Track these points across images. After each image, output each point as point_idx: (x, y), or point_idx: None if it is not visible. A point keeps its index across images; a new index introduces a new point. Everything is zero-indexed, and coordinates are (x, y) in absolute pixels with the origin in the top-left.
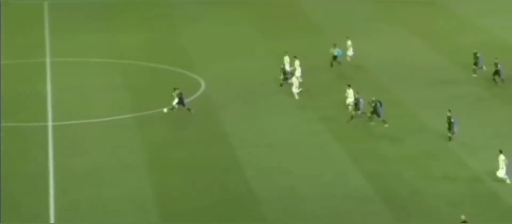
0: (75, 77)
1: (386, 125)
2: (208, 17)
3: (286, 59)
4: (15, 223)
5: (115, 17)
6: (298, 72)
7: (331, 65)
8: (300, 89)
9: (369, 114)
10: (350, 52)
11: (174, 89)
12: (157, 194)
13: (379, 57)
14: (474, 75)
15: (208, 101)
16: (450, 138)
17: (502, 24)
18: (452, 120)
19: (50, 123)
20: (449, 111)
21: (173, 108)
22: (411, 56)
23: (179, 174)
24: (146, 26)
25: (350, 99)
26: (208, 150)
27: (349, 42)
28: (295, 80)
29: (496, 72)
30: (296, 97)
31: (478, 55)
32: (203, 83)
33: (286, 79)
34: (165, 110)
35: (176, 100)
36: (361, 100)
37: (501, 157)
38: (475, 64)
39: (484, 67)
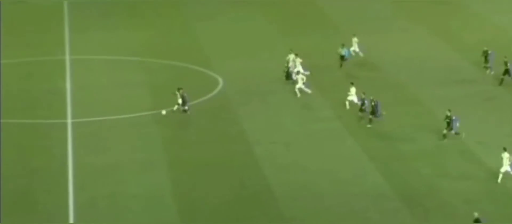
0: (94, 74)
1: (369, 126)
2: (226, 15)
3: (291, 57)
4: (34, 219)
5: (134, 15)
6: (300, 68)
7: (341, 65)
8: (303, 85)
9: (369, 116)
10: (356, 48)
11: (178, 89)
12: (176, 191)
13: (395, 55)
14: (488, 72)
15: (225, 98)
16: (444, 136)
17: None
18: (453, 118)
19: (69, 120)
20: (449, 110)
21: (184, 109)
22: (427, 54)
23: (197, 171)
24: (164, 24)
25: (352, 97)
26: (225, 147)
27: (355, 39)
28: (299, 78)
29: (506, 71)
30: (298, 94)
31: (489, 52)
32: (221, 81)
33: (289, 77)
34: (163, 112)
35: (180, 100)
36: (366, 101)
37: (506, 155)
38: (486, 62)
39: (492, 70)
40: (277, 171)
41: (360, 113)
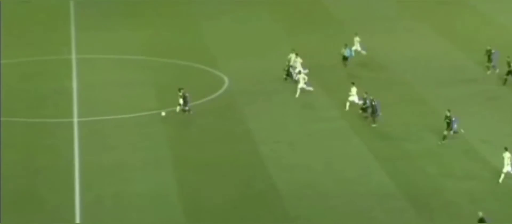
0: (100, 73)
1: (374, 125)
2: (232, 14)
3: (292, 56)
4: (40, 217)
5: (139, 14)
6: (300, 68)
7: (345, 65)
8: (305, 85)
9: (368, 115)
10: (358, 47)
11: (179, 89)
12: (181, 190)
13: (401, 54)
14: (489, 72)
15: (231, 97)
16: (445, 137)
17: None
18: (453, 118)
19: (75, 119)
20: (448, 110)
21: (184, 109)
22: (432, 53)
23: (203, 170)
24: (170, 23)
25: (353, 98)
26: (231, 146)
27: (357, 38)
28: (301, 78)
29: (510, 72)
30: (297, 94)
31: (492, 51)
32: (226, 80)
33: (289, 76)
34: (163, 113)
35: (181, 100)
36: (368, 101)
37: (507, 155)
38: (489, 61)
39: (497, 69)
40: (282, 171)
41: (363, 113)
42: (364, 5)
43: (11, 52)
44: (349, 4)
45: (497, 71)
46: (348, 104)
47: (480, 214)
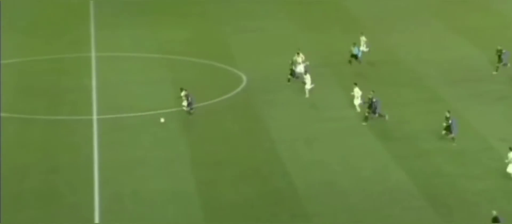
0: (119, 71)
1: (364, 123)
2: (250, 13)
3: (298, 57)
4: (60, 214)
5: (159, 13)
6: (301, 68)
7: (350, 62)
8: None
9: (366, 113)
10: (364, 47)
11: (181, 89)
12: (199, 187)
13: (417, 53)
14: (495, 73)
15: (249, 95)
16: (446, 134)
17: None
18: (450, 121)
19: (94, 117)
20: (448, 111)
21: (189, 110)
22: (449, 52)
23: (221, 168)
24: (189, 22)
25: (358, 100)
26: (249, 144)
27: (363, 38)
28: (307, 78)
29: None
30: (307, 95)
31: (503, 51)
32: (244, 78)
33: (293, 75)
34: (162, 120)
35: (185, 101)
36: (374, 100)
37: (511, 155)
38: (499, 61)
39: (509, 64)
40: (299, 168)
41: (366, 114)
42: (381, 3)
43: (31, 50)
44: (366, 3)
45: (508, 65)
46: (357, 106)
47: (494, 213)
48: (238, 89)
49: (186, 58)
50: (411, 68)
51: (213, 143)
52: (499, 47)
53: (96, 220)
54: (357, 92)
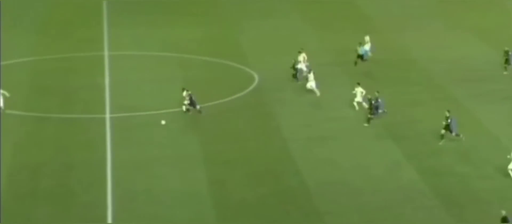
0: (132, 70)
1: (366, 125)
2: (262, 12)
3: (303, 56)
4: (73, 212)
5: (171, 12)
6: (302, 66)
7: (355, 63)
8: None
9: (368, 115)
10: (368, 47)
11: (183, 89)
12: (211, 186)
13: (431, 52)
14: (507, 72)
15: (261, 94)
16: (442, 137)
17: None
18: (449, 120)
19: (107, 115)
20: (448, 111)
21: (187, 110)
22: (463, 51)
23: (233, 166)
24: (202, 21)
25: (359, 98)
26: (261, 143)
27: (367, 38)
28: (311, 76)
29: None
30: (318, 93)
31: (510, 53)
32: (256, 77)
33: (296, 74)
34: (163, 122)
35: (187, 101)
36: (379, 100)
37: None
38: (506, 61)
39: None
40: (311, 167)
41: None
42: (393, 2)
43: (44, 49)
44: (379, 2)
45: (506, 73)
46: (356, 104)
47: (503, 212)
48: (250, 88)
49: (199, 57)
50: (422, 67)
51: (225, 141)
52: (506, 49)
53: (109, 218)
54: (358, 91)
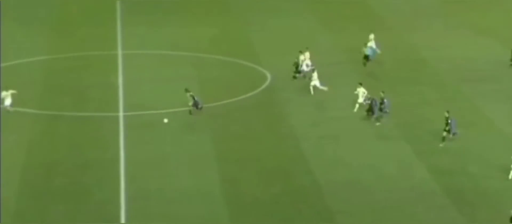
0: (145, 68)
1: (378, 124)
2: (275, 12)
3: (307, 55)
4: (87, 210)
5: (184, 11)
6: (304, 67)
7: (364, 64)
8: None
9: (365, 112)
10: (373, 46)
11: (186, 90)
12: (224, 184)
13: (439, 51)
14: None
15: (273, 93)
16: (444, 139)
17: None
18: (450, 121)
19: (121, 114)
20: (447, 111)
21: (190, 111)
22: (472, 50)
23: (245, 165)
24: (214, 20)
25: (361, 99)
26: (273, 142)
27: (371, 36)
28: (315, 75)
29: None
30: (312, 92)
31: None
32: (269, 76)
33: (299, 73)
34: (165, 120)
35: (190, 103)
36: (385, 100)
37: None
38: None
39: None
40: (324, 166)
41: (379, 112)
42: (405, 1)
43: (58, 47)
44: (391, 2)
45: None
46: (358, 104)
47: None
48: (262, 87)
49: (212, 55)
50: (433, 67)
51: (237, 140)
52: None
53: (122, 216)
54: (360, 92)
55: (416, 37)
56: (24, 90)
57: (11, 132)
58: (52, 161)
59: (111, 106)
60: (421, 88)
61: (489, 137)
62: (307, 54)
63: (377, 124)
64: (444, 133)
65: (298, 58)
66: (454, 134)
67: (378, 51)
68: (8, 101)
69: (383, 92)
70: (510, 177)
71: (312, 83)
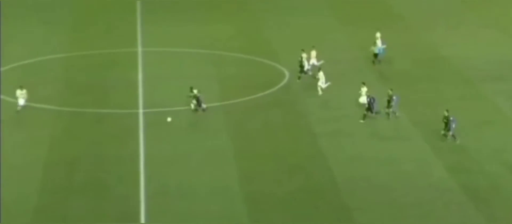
0: (165, 66)
1: (361, 121)
2: (293, 9)
3: (313, 53)
4: (107, 205)
5: (204, 9)
6: (306, 65)
7: (373, 63)
8: (328, 83)
9: (364, 111)
10: (379, 44)
11: (191, 89)
12: (242, 181)
13: (459, 49)
14: None
15: (292, 90)
16: (446, 136)
17: None
18: (451, 118)
19: (140, 110)
20: (447, 110)
21: (196, 109)
22: (491, 48)
23: (263, 162)
24: (233, 18)
25: (363, 98)
26: (291, 139)
27: (378, 34)
28: (321, 75)
29: None
30: (320, 92)
31: None
32: (287, 74)
33: (303, 72)
34: (169, 119)
35: (195, 101)
36: (394, 97)
37: None
38: None
39: None
40: (341, 163)
41: (387, 110)
42: (425, 1)
43: (79, 45)
44: (410, 0)
45: None
46: (362, 102)
47: None
48: (281, 84)
49: (230, 53)
50: (452, 65)
51: (255, 137)
52: None
53: (142, 212)
54: (363, 91)
55: (435, 35)
56: (45, 87)
57: (33, 129)
58: (73, 157)
59: (131, 103)
60: (439, 86)
61: (507, 136)
62: (314, 53)
63: (361, 121)
64: (442, 132)
65: (301, 57)
66: (453, 136)
67: (384, 52)
68: (22, 101)
69: (391, 89)
70: None
71: (319, 83)
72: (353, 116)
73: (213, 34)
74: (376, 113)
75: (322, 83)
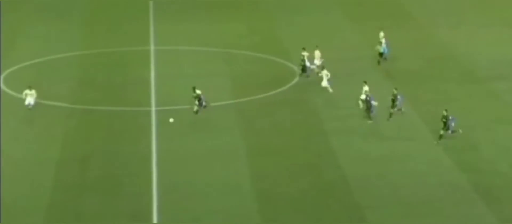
0: (177, 64)
1: (370, 122)
2: (304, 8)
3: (317, 53)
4: (119, 202)
5: (215, 7)
6: (307, 64)
7: (379, 62)
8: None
9: (364, 111)
10: (384, 44)
11: (194, 89)
12: (254, 179)
13: (469, 48)
14: None
15: (303, 88)
16: (441, 137)
17: None
18: (450, 118)
19: (153, 108)
20: (446, 110)
21: (198, 110)
22: (502, 46)
23: (275, 160)
24: (245, 16)
25: (363, 96)
26: (303, 137)
27: (382, 34)
28: (324, 75)
29: None
30: (330, 90)
31: None
32: (298, 71)
33: (304, 72)
34: (171, 120)
35: (197, 101)
36: (399, 96)
37: None
38: None
39: None
40: (352, 161)
41: (391, 110)
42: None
43: (92, 43)
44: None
45: None
46: (361, 102)
47: None
48: (292, 83)
49: (242, 51)
50: (463, 63)
51: (267, 135)
52: None
53: (154, 209)
54: (364, 90)
55: (444, 34)
56: (58, 85)
57: (46, 126)
58: (86, 155)
59: (143, 101)
60: (450, 85)
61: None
62: (318, 53)
63: (369, 121)
64: (442, 131)
65: (302, 55)
66: (453, 132)
67: (387, 52)
68: (31, 100)
69: (396, 88)
70: None
71: (323, 83)
72: (363, 115)
73: (225, 33)
74: (372, 114)
75: (325, 81)
